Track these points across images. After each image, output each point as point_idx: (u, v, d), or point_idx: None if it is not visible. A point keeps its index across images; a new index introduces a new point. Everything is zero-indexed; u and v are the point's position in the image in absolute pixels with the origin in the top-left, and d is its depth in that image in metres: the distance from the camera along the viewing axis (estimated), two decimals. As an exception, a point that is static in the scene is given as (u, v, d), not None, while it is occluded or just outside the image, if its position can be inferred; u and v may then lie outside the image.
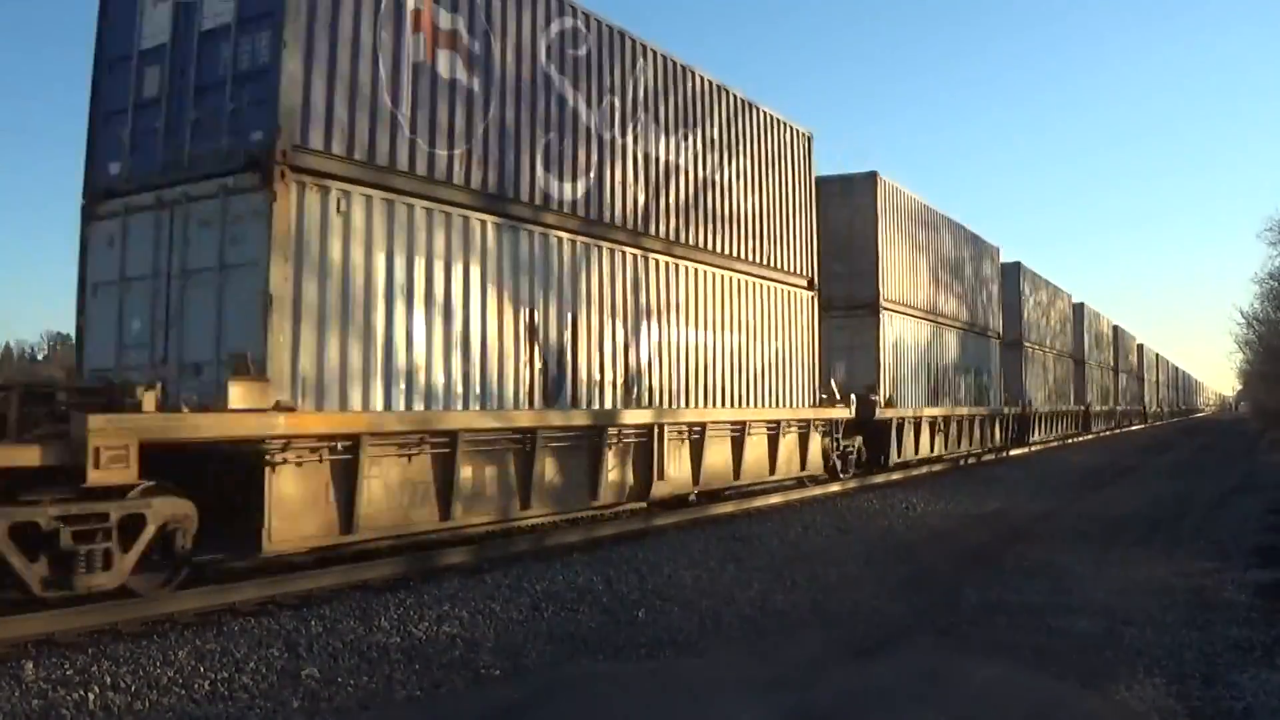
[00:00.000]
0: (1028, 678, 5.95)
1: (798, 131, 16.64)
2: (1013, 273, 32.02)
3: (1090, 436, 42.29)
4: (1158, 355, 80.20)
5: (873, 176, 19.73)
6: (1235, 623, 7.36)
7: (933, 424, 21.95)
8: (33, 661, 5.92)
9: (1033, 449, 31.13)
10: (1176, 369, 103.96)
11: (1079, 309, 42.97)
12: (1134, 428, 58.27)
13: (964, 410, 24.30)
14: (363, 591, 8.17)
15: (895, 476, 19.37)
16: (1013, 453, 28.39)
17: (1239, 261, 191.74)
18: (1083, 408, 42.51)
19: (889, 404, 19.19)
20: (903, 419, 20.10)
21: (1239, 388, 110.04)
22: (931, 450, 21.94)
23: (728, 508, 13.88)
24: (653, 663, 6.34)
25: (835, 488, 16.92)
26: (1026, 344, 32.97)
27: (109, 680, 5.66)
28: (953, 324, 23.95)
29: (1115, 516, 13.82)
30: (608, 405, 11.65)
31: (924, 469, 21.21)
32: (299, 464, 8.05)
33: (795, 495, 15.69)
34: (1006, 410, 28.60)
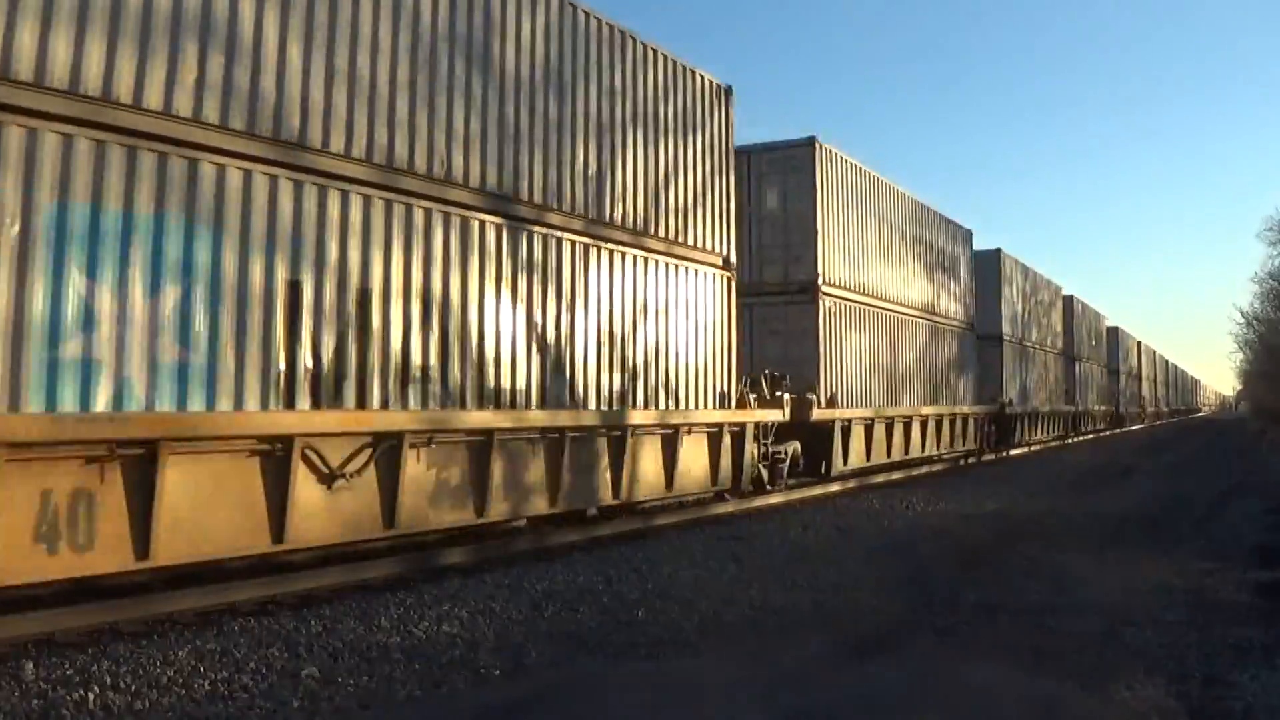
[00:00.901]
0: (1028, 678, 5.95)
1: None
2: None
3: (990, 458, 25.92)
4: (1140, 343, 64.35)
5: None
6: (1235, 623, 7.35)
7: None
8: (33, 661, 5.91)
9: (1032, 448, 31.01)
10: (1169, 363, 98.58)
11: (993, 259, 28.11)
12: (1100, 434, 43.30)
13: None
14: (363, 591, 8.17)
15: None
16: (1013, 452, 28.33)
17: (1239, 261, 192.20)
18: (998, 405, 27.17)
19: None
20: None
21: (1239, 387, 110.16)
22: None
23: (728, 507, 13.88)
24: (653, 663, 6.34)
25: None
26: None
27: (109, 680, 5.65)
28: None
29: (1115, 516, 13.81)
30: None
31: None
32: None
33: (795, 495, 15.69)
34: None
